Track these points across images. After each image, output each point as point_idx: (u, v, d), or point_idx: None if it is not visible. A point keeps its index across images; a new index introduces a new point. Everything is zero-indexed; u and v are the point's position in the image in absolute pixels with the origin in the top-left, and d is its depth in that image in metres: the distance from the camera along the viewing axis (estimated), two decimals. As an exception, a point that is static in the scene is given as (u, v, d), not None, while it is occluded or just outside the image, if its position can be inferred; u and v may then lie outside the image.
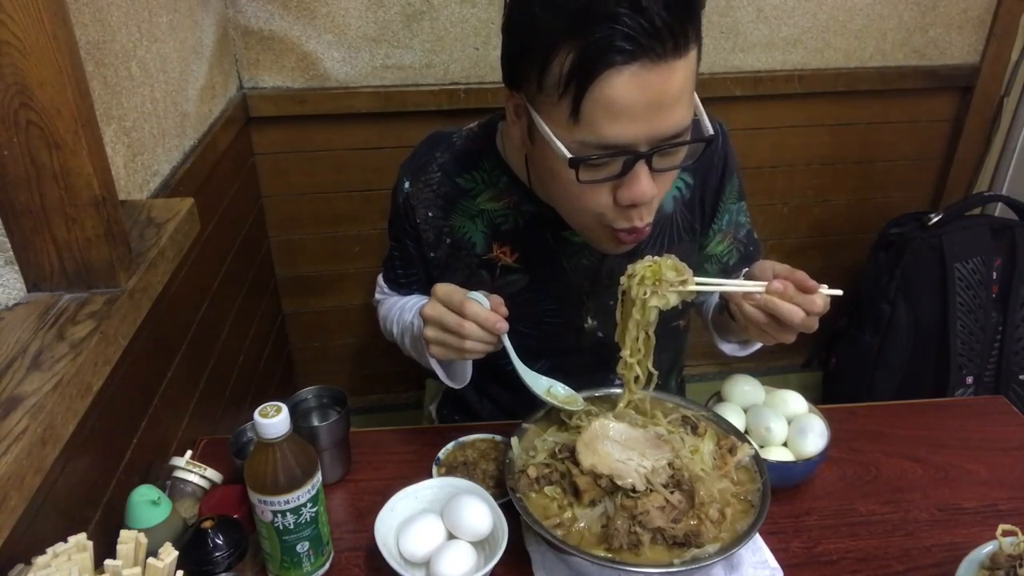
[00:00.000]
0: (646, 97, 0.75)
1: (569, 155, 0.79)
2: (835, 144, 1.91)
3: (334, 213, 1.81)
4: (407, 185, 1.08)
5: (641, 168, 0.81)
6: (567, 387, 0.96)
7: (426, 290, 1.13)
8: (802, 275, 0.86)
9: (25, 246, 0.78)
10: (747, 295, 0.86)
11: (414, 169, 1.08)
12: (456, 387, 1.02)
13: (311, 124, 1.69)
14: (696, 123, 0.85)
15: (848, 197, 2.00)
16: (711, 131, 0.85)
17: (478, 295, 0.89)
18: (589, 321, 1.11)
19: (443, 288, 0.89)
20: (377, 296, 1.24)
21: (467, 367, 1.00)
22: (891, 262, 1.81)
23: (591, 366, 1.13)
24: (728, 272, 1.16)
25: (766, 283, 0.85)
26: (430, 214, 1.07)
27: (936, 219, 1.77)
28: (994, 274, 1.76)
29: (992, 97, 1.88)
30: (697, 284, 0.85)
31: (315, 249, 1.86)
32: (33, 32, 0.68)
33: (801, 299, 0.85)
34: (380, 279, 1.22)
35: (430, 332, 0.90)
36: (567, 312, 1.10)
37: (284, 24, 1.59)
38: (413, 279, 1.16)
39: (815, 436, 0.98)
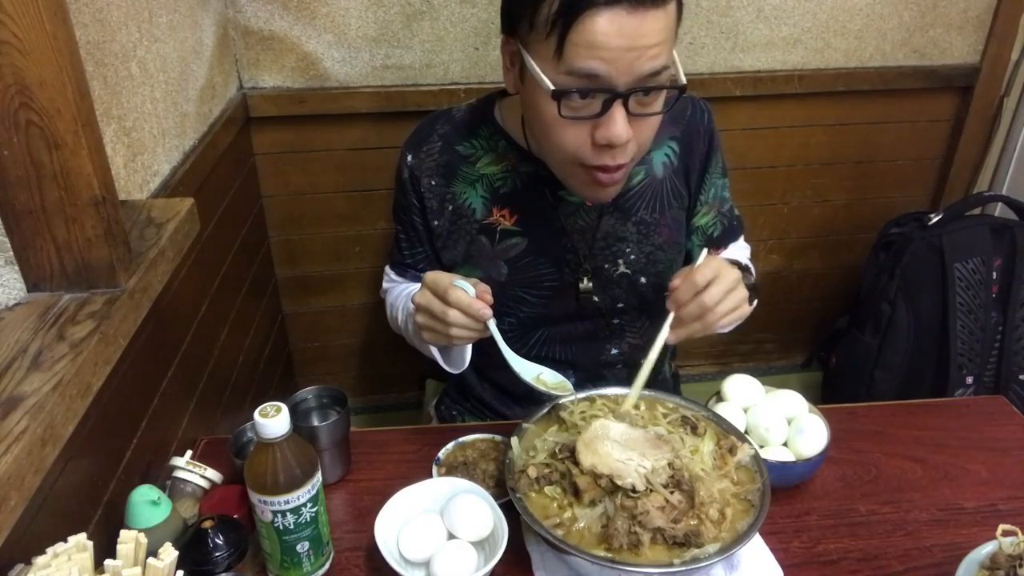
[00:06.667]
0: (623, 38, 0.83)
1: (552, 87, 0.87)
2: (835, 144, 1.91)
3: (334, 213, 1.81)
4: (409, 158, 1.12)
5: (618, 109, 0.87)
6: (556, 373, 0.97)
7: (430, 266, 1.17)
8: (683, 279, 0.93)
9: (25, 246, 0.78)
10: (674, 327, 0.93)
11: (415, 143, 1.13)
12: (454, 372, 1.04)
13: (311, 124, 1.69)
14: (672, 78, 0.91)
15: (848, 197, 2.00)
16: (684, 82, 0.91)
17: (464, 283, 0.91)
18: (585, 282, 1.13)
19: (431, 275, 0.93)
20: (385, 285, 1.26)
21: (465, 352, 1.02)
22: (891, 262, 1.81)
23: (588, 335, 1.18)
24: (712, 243, 1.20)
25: (671, 313, 0.93)
26: (433, 182, 1.12)
27: (936, 219, 1.77)
28: (994, 274, 1.76)
29: (992, 97, 1.88)
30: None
31: (315, 249, 1.85)
32: (33, 32, 0.68)
33: (693, 291, 0.91)
34: (387, 268, 1.25)
35: (420, 319, 0.94)
36: (565, 275, 1.13)
37: (284, 24, 1.59)
38: (419, 257, 1.18)
39: (815, 436, 0.98)
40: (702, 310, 0.90)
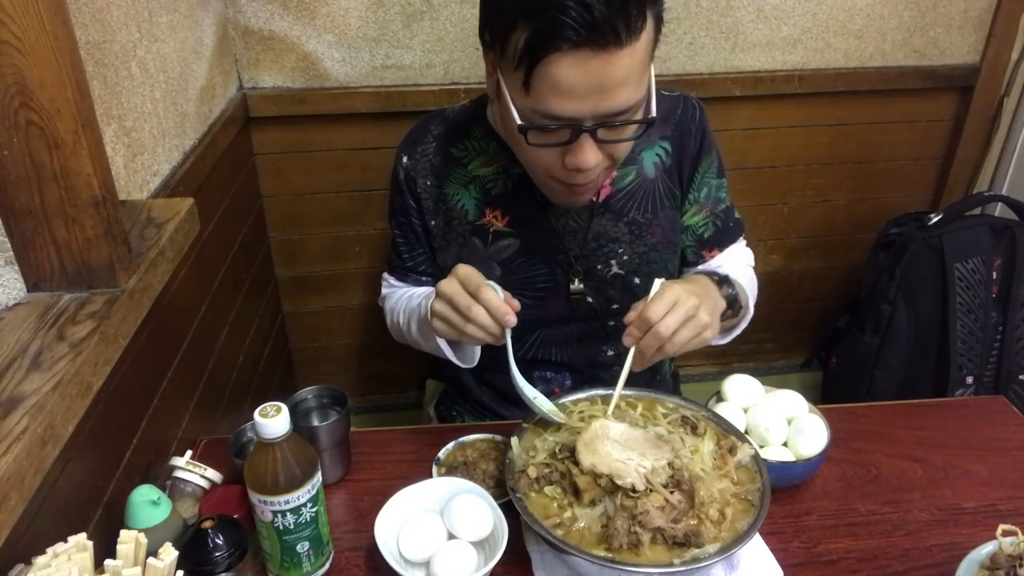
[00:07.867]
0: (588, 80, 0.82)
1: (519, 121, 0.88)
2: (835, 144, 1.91)
3: (334, 213, 1.81)
4: (405, 160, 1.13)
5: (585, 139, 0.88)
6: (550, 403, 0.96)
7: (431, 267, 1.18)
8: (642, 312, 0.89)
9: (25, 246, 0.78)
10: (637, 358, 0.90)
11: (409, 144, 1.14)
12: (464, 366, 1.04)
13: (311, 124, 1.68)
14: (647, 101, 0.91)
15: (848, 197, 2.00)
16: (653, 114, 0.91)
17: (495, 284, 0.90)
18: (576, 283, 1.13)
19: (464, 269, 0.91)
20: (384, 291, 1.25)
21: (476, 349, 1.01)
22: (891, 262, 1.81)
23: (584, 336, 1.18)
24: (703, 244, 1.19)
25: (631, 347, 0.90)
26: (428, 183, 1.13)
27: (936, 219, 1.77)
28: (994, 274, 1.76)
29: (992, 97, 1.88)
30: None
31: (315, 249, 1.85)
32: (33, 32, 0.68)
33: (646, 328, 0.87)
34: (385, 274, 1.24)
35: (438, 306, 0.92)
36: (558, 276, 1.13)
37: (284, 24, 1.59)
38: (420, 259, 1.18)
39: (815, 436, 0.98)
40: (659, 341, 0.86)
